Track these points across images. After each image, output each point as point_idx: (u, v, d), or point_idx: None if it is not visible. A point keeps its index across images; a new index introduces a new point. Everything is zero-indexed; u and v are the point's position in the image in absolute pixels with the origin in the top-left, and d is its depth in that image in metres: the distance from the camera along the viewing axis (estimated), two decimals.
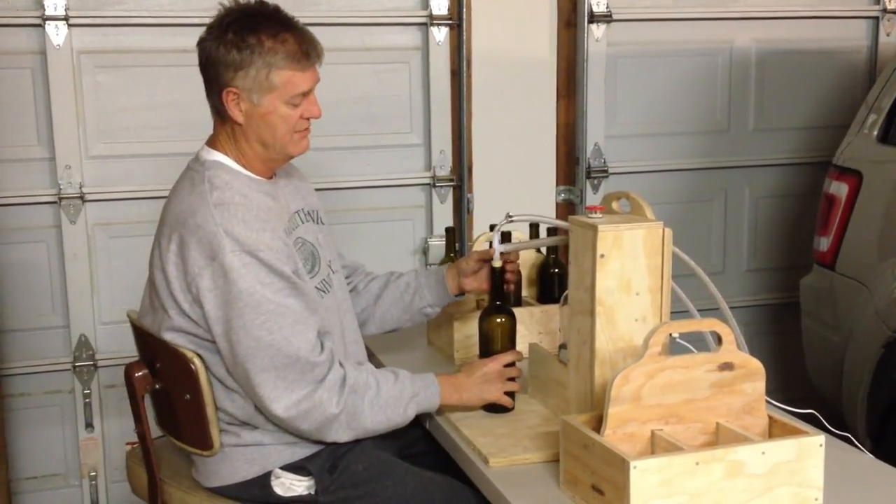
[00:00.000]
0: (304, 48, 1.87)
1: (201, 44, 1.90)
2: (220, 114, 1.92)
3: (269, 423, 1.91)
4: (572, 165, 3.51)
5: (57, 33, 2.94)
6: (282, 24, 1.88)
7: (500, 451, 1.80)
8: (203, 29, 2.92)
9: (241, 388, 1.87)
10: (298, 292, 1.84)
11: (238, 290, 1.78)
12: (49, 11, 2.92)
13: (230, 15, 1.88)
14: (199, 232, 1.81)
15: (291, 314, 1.81)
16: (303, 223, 2.03)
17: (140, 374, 2.00)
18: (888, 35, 3.70)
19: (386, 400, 1.88)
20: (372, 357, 2.47)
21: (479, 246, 2.40)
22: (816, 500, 1.58)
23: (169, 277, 1.85)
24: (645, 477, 1.46)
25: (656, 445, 1.61)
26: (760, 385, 1.67)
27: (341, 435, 1.87)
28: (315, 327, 1.84)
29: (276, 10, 1.91)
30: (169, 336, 1.90)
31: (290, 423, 1.85)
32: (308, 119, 1.93)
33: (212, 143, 1.96)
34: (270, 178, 1.99)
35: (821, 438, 1.58)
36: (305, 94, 1.90)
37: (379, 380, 1.89)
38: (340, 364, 1.86)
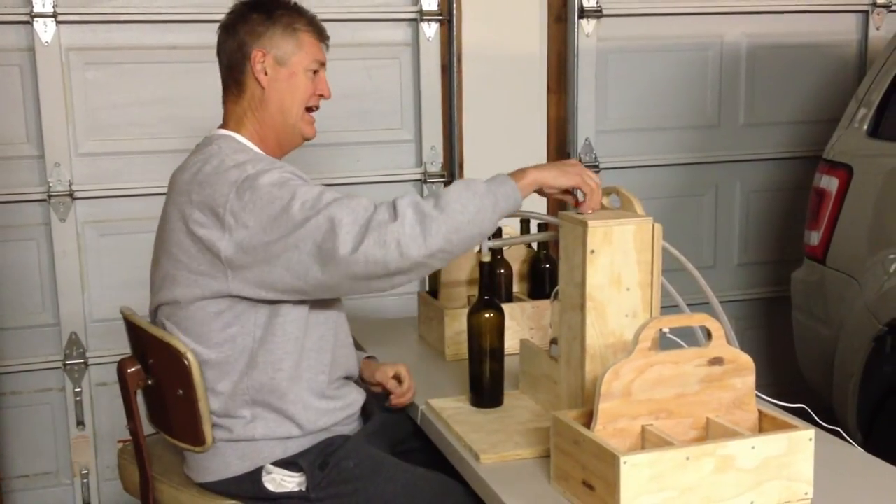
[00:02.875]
0: (318, 25, 2.03)
1: (223, 26, 1.99)
2: (239, 88, 1.96)
3: (259, 410, 1.91)
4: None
5: (45, 30, 2.93)
6: (299, 8, 2.03)
7: (491, 447, 1.80)
8: (192, 25, 2.93)
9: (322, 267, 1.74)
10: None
11: (262, 184, 1.77)
12: (37, 8, 2.91)
13: (248, 3, 2.00)
14: (216, 173, 1.83)
15: (324, 192, 1.77)
16: None
17: (133, 369, 1.99)
18: (878, 29, 3.71)
19: (439, 223, 1.72)
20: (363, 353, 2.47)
21: None
22: (806, 494, 1.58)
23: (198, 231, 1.81)
24: (635, 472, 1.46)
25: (647, 441, 1.61)
26: (750, 380, 1.67)
27: (438, 230, 1.71)
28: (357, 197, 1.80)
29: (296, 3, 2.05)
30: (191, 295, 1.86)
31: (373, 259, 1.71)
32: (319, 98, 2.02)
33: (222, 126, 2.00)
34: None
35: (811, 433, 1.59)
36: (322, 65, 2.01)
37: (423, 208, 1.73)
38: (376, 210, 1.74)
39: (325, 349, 1.96)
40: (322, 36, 2.03)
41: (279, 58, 1.95)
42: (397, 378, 2.14)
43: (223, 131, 1.99)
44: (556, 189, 1.84)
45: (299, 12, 2.00)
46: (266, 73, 1.95)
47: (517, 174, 1.83)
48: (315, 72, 2.00)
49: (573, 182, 1.81)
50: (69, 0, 2.96)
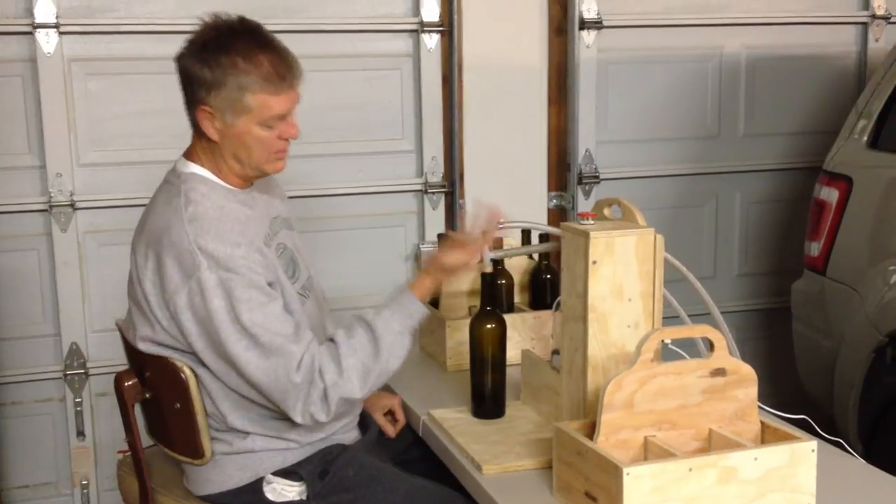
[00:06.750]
0: (280, 71, 1.83)
1: (179, 59, 1.87)
2: (196, 128, 1.90)
3: (257, 427, 1.91)
4: (563, 171, 3.52)
5: (47, 41, 2.94)
6: (258, 45, 1.83)
7: (493, 458, 1.80)
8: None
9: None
10: (274, 302, 1.82)
11: (214, 308, 1.78)
12: (39, 19, 2.92)
13: (207, 32, 1.85)
14: (174, 250, 1.80)
15: (266, 332, 1.79)
16: (280, 230, 2.02)
17: (130, 383, 1.98)
18: (877, 40, 3.72)
19: (377, 371, 1.85)
20: None
21: None
22: None
23: (147, 294, 1.86)
24: (638, 483, 1.47)
25: (649, 452, 1.62)
26: (752, 391, 1.67)
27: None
28: (294, 341, 1.81)
29: (255, 29, 1.87)
30: (143, 346, 1.91)
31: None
32: (286, 140, 1.91)
33: (189, 154, 1.94)
34: (247, 187, 1.98)
35: (813, 444, 1.59)
36: (282, 117, 1.87)
37: (364, 361, 1.84)
38: (321, 375, 1.81)
39: None
40: (283, 83, 1.83)
41: (227, 118, 1.83)
42: (390, 413, 2.18)
43: (190, 167, 1.91)
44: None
45: (251, 62, 1.80)
46: (215, 128, 1.85)
47: (417, 285, 1.95)
48: (272, 127, 1.86)
49: (467, 259, 1.96)
50: (71, 11, 2.97)
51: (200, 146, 1.92)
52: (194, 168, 1.91)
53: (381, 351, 1.85)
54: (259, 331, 1.78)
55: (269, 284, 1.84)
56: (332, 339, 1.87)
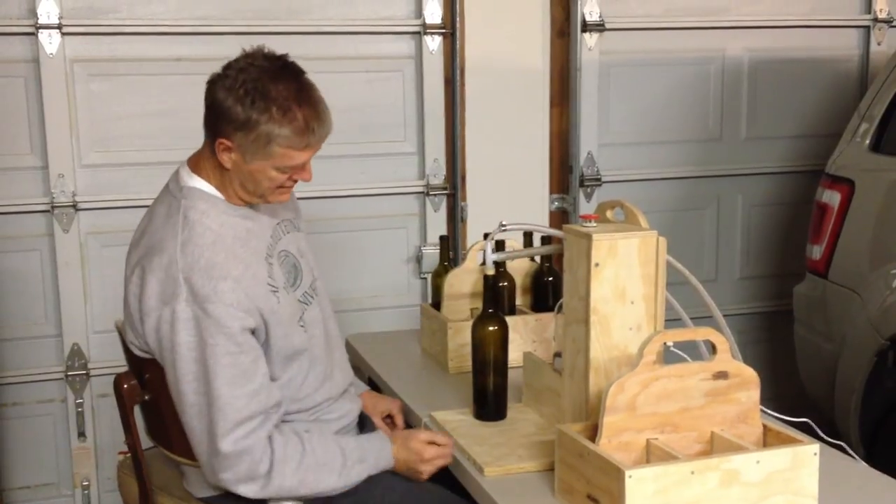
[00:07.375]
0: (311, 126, 1.80)
1: (211, 85, 1.81)
2: (210, 146, 1.86)
3: None
4: (566, 174, 3.52)
5: (50, 42, 2.94)
6: (296, 95, 1.79)
7: (495, 460, 1.80)
8: (197, 37, 2.89)
9: None
10: (243, 354, 1.79)
11: (178, 342, 1.77)
12: (42, 20, 2.92)
13: (247, 70, 1.78)
14: (160, 272, 1.79)
15: (219, 385, 1.76)
16: (285, 234, 2.01)
17: (129, 385, 1.98)
18: (879, 44, 3.72)
19: (311, 483, 1.83)
20: (364, 370, 2.47)
21: (474, 254, 2.40)
22: None
23: (130, 306, 1.87)
24: (640, 486, 1.47)
25: (651, 454, 1.61)
26: (755, 394, 1.67)
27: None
28: (244, 405, 1.77)
29: (297, 75, 1.82)
30: (134, 350, 1.91)
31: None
32: (296, 181, 1.89)
33: (196, 165, 1.90)
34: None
35: (815, 447, 1.59)
36: (299, 166, 1.85)
37: (316, 471, 1.83)
38: (271, 461, 1.79)
39: (302, 392, 1.94)
40: (311, 140, 1.80)
41: (246, 156, 1.80)
42: (389, 417, 2.18)
43: (194, 181, 1.87)
44: None
45: (286, 116, 1.76)
46: (230, 159, 1.82)
47: (400, 447, 1.92)
48: (286, 172, 1.83)
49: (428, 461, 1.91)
50: (74, 12, 2.97)
51: (210, 163, 1.88)
52: (198, 182, 1.88)
53: (336, 465, 1.85)
54: (214, 381, 1.76)
55: (254, 331, 1.82)
56: (298, 435, 1.85)
